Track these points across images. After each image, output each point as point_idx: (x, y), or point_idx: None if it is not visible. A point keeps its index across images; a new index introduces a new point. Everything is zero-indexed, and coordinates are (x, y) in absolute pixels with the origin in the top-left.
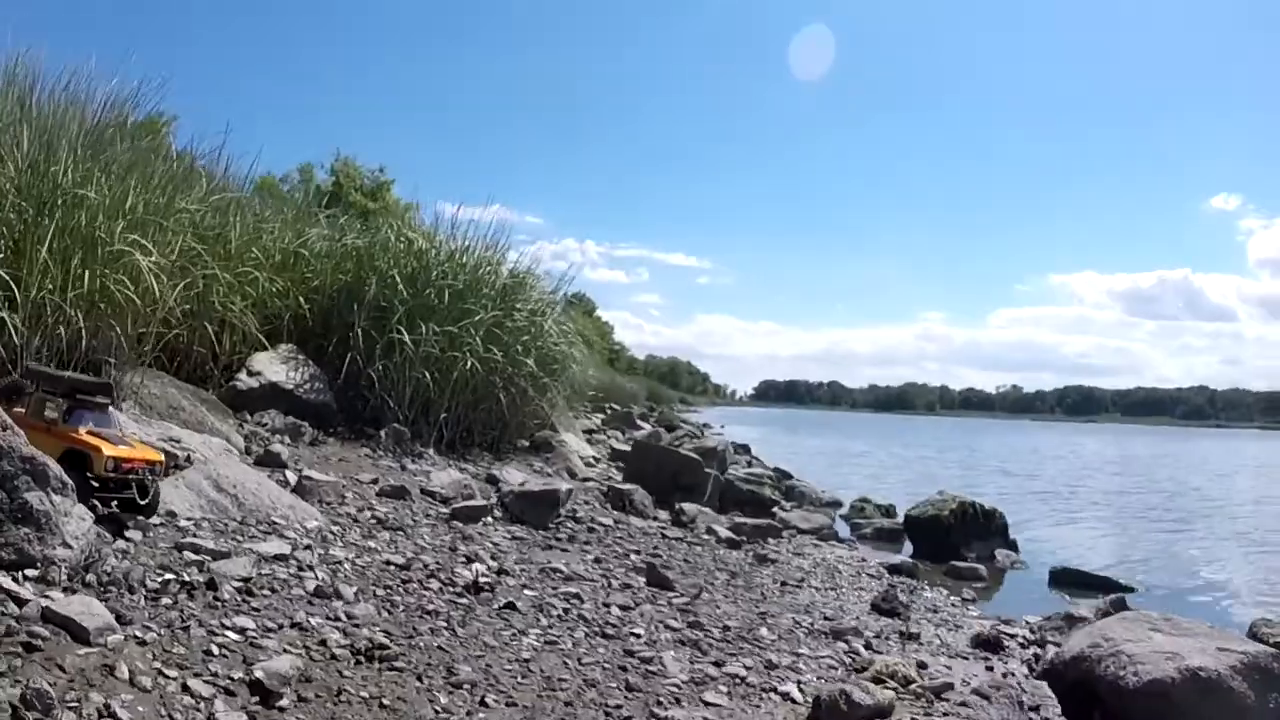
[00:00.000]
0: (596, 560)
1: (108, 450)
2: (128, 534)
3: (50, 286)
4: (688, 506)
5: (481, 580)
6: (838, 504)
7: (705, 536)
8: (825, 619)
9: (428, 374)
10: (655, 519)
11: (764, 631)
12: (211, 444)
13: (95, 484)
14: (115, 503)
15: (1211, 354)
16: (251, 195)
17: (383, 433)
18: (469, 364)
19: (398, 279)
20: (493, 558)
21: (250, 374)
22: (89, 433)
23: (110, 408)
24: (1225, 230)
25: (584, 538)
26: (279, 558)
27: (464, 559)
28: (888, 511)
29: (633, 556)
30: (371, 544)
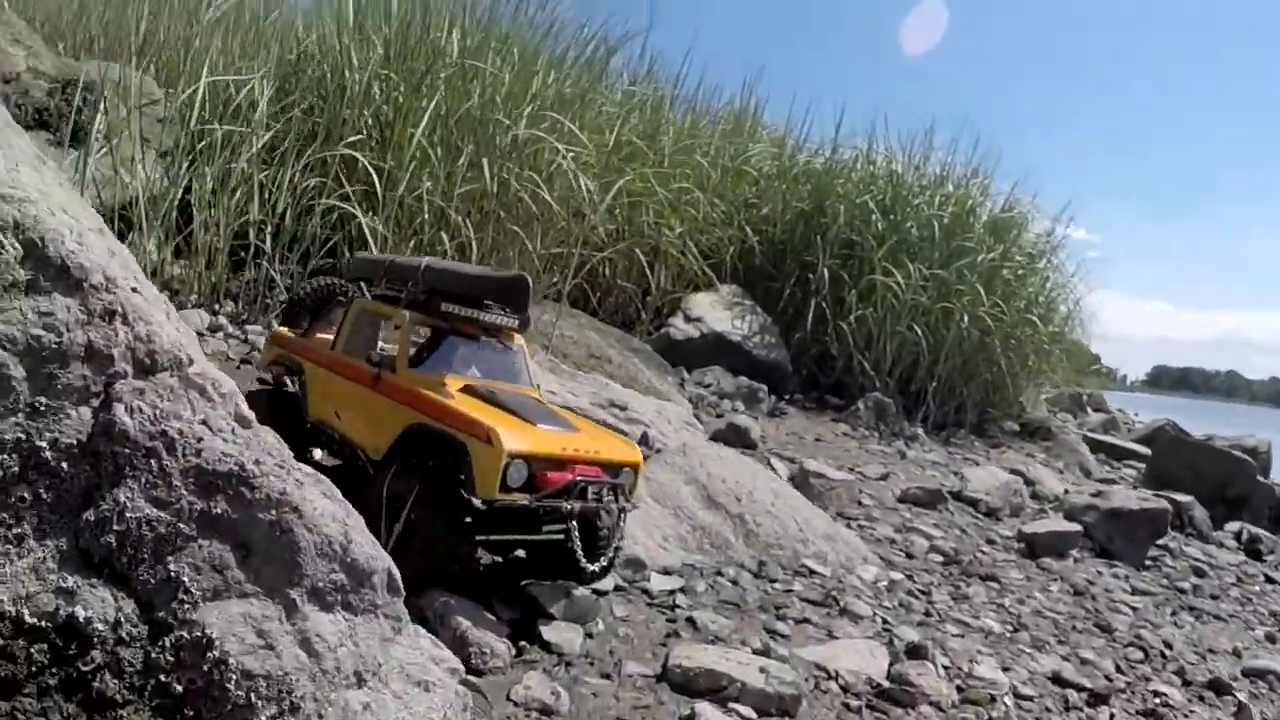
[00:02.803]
0: None
1: (511, 440)
2: (555, 647)
3: (428, 183)
4: (1265, 535)
5: None
6: None
7: None
8: None
9: (917, 329)
10: (1222, 545)
11: None
12: (668, 412)
13: (470, 514)
14: (520, 553)
15: None
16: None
17: (860, 404)
18: (964, 319)
19: (871, 207)
20: (1166, 644)
21: (688, 319)
22: (467, 390)
23: (519, 339)
24: None
25: (1205, 586)
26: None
27: (1153, 653)
28: None
29: None
30: (989, 619)
